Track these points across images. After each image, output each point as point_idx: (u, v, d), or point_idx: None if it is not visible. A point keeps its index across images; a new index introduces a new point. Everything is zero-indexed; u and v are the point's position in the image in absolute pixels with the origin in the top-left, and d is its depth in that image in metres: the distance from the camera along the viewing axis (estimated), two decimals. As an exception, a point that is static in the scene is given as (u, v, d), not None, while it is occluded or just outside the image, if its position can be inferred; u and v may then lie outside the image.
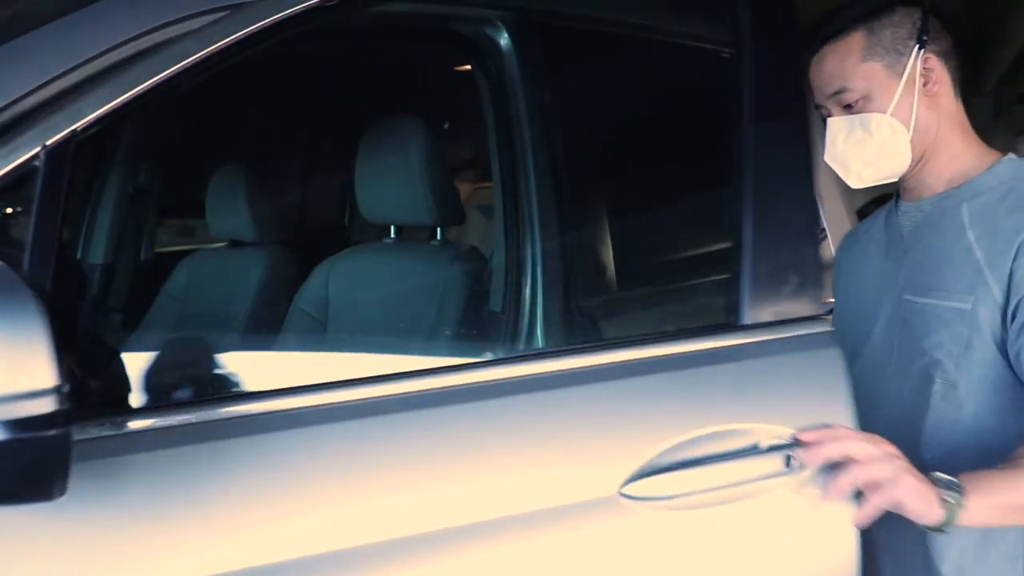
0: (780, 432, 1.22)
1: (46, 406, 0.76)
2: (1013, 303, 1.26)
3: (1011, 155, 1.38)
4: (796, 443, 1.21)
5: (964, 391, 1.31)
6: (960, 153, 1.39)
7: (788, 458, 1.21)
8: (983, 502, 1.16)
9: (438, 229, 1.96)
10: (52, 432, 0.77)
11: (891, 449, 1.19)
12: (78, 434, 0.89)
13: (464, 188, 2.61)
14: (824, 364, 1.29)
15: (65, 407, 0.78)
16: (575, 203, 1.63)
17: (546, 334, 1.46)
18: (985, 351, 1.29)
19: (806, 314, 1.33)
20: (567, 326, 1.54)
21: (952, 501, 1.15)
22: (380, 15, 1.53)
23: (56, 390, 0.77)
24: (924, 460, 1.27)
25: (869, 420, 1.28)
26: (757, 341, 1.30)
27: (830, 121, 1.39)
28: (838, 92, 1.38)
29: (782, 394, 1.27)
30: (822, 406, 1.26)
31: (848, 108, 1.37)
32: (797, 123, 1.39)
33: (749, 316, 1.31)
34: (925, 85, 1.35)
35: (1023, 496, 1.18)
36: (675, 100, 1.70)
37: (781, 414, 1.23)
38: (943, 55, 1.37)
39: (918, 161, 1.38)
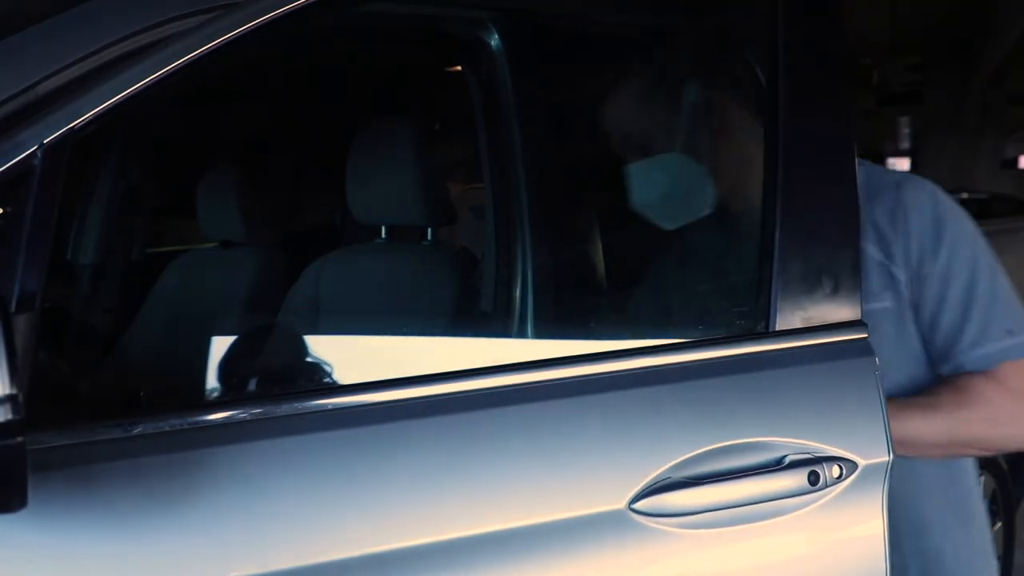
0: (805, 446, 1.13)
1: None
2: (916, 278, 1.32)
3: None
4: (822, 459, 1.14)
5: (906, 386, 1.35)
6: None
7: (813, 475, 1.13)
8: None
9: (429, 229, 1.96)
10: (7, 442, 0.74)
11: None
12: (72, 438, 0.88)
13: (455, 188, 2.60)
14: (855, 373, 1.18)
15: (20, 417, 0.74)
16: (565, 203, 1.63)
17: (537, 335, 1.46)
18: (913, 342, 1.34)
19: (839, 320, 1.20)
20: (559, 327, 1.55)
21: None
22: (371, 16, 1.54)
23: (10, 399, 0.74)
24: None
25: None
26: (784, 348, 1.19)
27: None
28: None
29: (809, 406, 1.18)
30: (853, 417, 1.18)
31: None
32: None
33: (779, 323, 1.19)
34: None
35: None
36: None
37: (808, 427, 1.15)
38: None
39: None
